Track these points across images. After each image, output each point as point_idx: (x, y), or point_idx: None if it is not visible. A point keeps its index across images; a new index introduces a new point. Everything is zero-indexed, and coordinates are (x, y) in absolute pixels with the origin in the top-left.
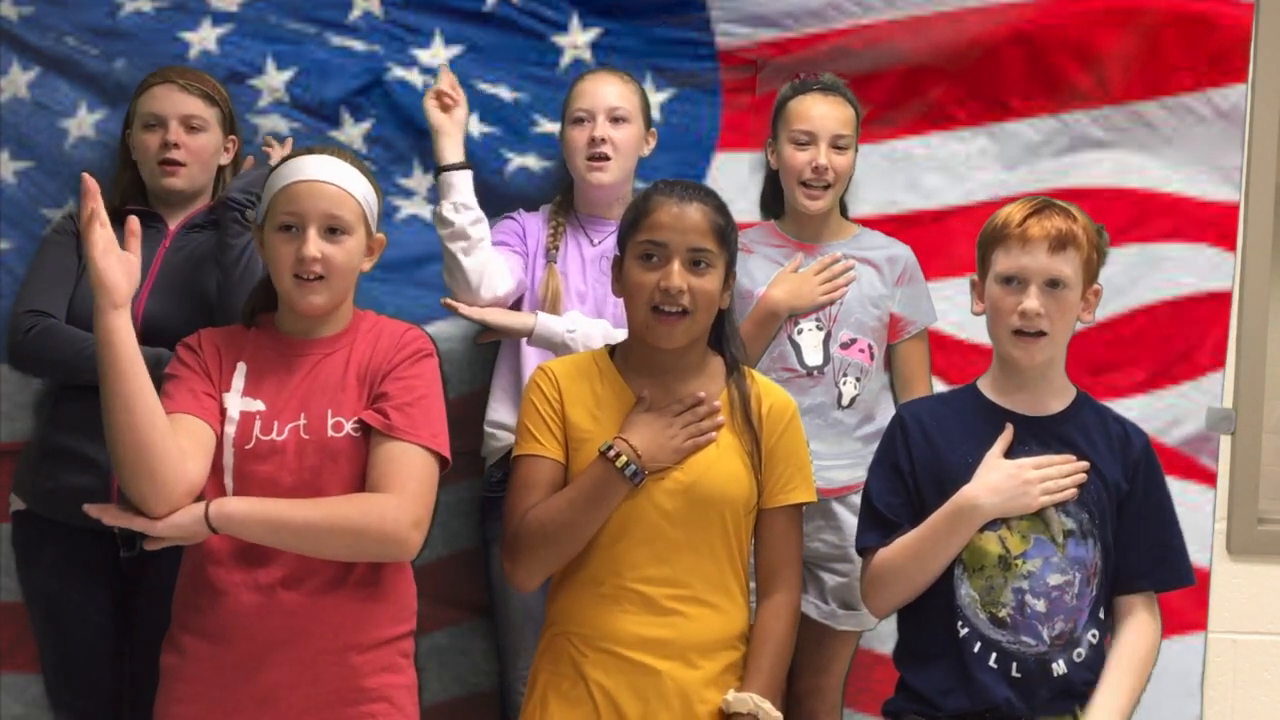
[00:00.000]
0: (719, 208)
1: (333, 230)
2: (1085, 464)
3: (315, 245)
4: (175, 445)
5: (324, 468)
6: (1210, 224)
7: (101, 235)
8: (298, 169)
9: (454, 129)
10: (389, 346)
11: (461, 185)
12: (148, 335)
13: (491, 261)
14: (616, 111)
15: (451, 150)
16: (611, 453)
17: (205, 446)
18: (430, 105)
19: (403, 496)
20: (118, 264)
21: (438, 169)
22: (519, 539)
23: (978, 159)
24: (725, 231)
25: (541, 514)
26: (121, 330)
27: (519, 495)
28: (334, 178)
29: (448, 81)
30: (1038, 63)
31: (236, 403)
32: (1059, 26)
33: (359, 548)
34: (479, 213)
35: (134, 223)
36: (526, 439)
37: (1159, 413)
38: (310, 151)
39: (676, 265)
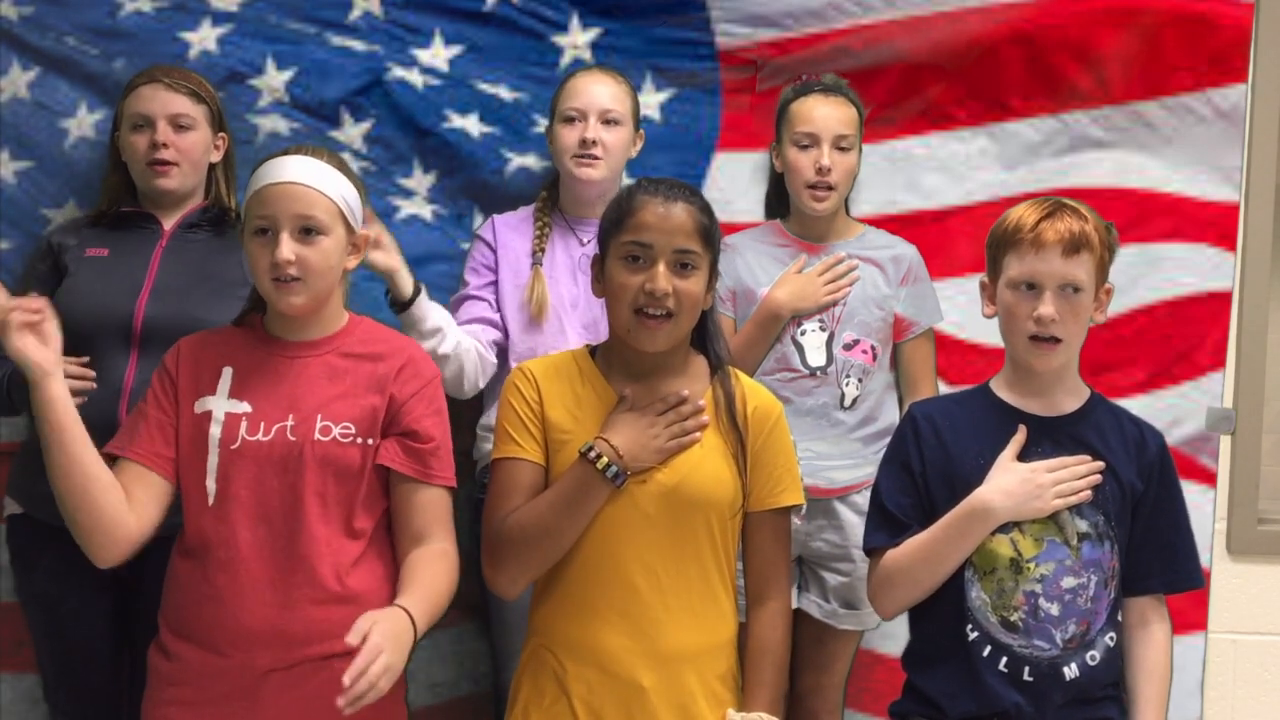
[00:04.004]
0: (703, 208)
1: (307, 231)
2: (1100, 465)
3: (288, 247)
4: (115, 502)
5: (309, 470)
6: (1210, 224)
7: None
8: (270, 172)
9: (399, 262)
10: (397, 366)
11: (421, 315)
12: (147, 339)
13: (468, 357)
14: (609, 114)
15: (405, 284)
16: (592, 454)
17: (157, 497)
18: (373, 254)
19: (454, 544)
20: (32, 342)
21: (403, 305)
22: (499, 545)
23: (978, 159)
24: (710, 232)
25: (522, 518)
26: (56, 398)
27: (498, 500)
28: (306, 178)
29: (377, 228)
30: (1038, 63)
31: (222, 404)
32: (1059, 26)
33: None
34: (441, 325)
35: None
36: (505, 442)
37: (1159, 413)
38: (285, 153)
39: (661, 268)
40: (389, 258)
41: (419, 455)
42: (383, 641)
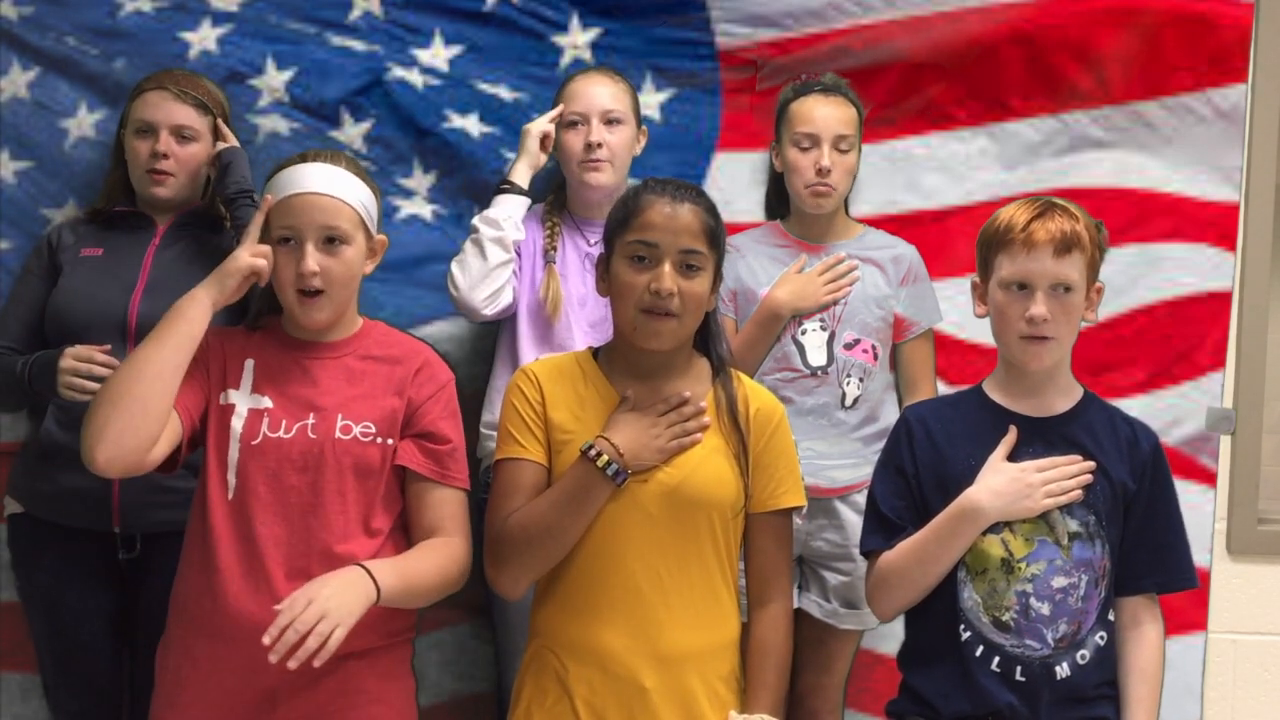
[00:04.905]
0: (709, 208)
1: (331, 240)
2: (1091, 464)
3: (314, 260)
4: (159, 422)
5: (329, 468)
6: (1210, 224)
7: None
8: (293, 181)
9: (538, 161)
10: (413, 368)
11: (523, 207)
12: (142, 336)
13: (509, 282)
14: (611, 114)
15: (526, 174)
16: (592, 452)
17: (170, 437)
18: (534, 136)
19: (465, 541)
20: (244, 280)
21: (504, 185)
22: (501, 544)
23: (978, 159)
24: (716, 233)
25: (523, 518)
26: (203, 315)
27: (500, 500)
28: (329, 188)
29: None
30: (1038, 63)
31: (245, 400)
32: (1059, 26)
33: (445, 593)
34: (523, 235)
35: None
36: (507, 442)
37: (1159, 413)
38: (305, 159)
39: (667, 268)
40: (537, 149)
41: (436, 456)
42: (311, 591)
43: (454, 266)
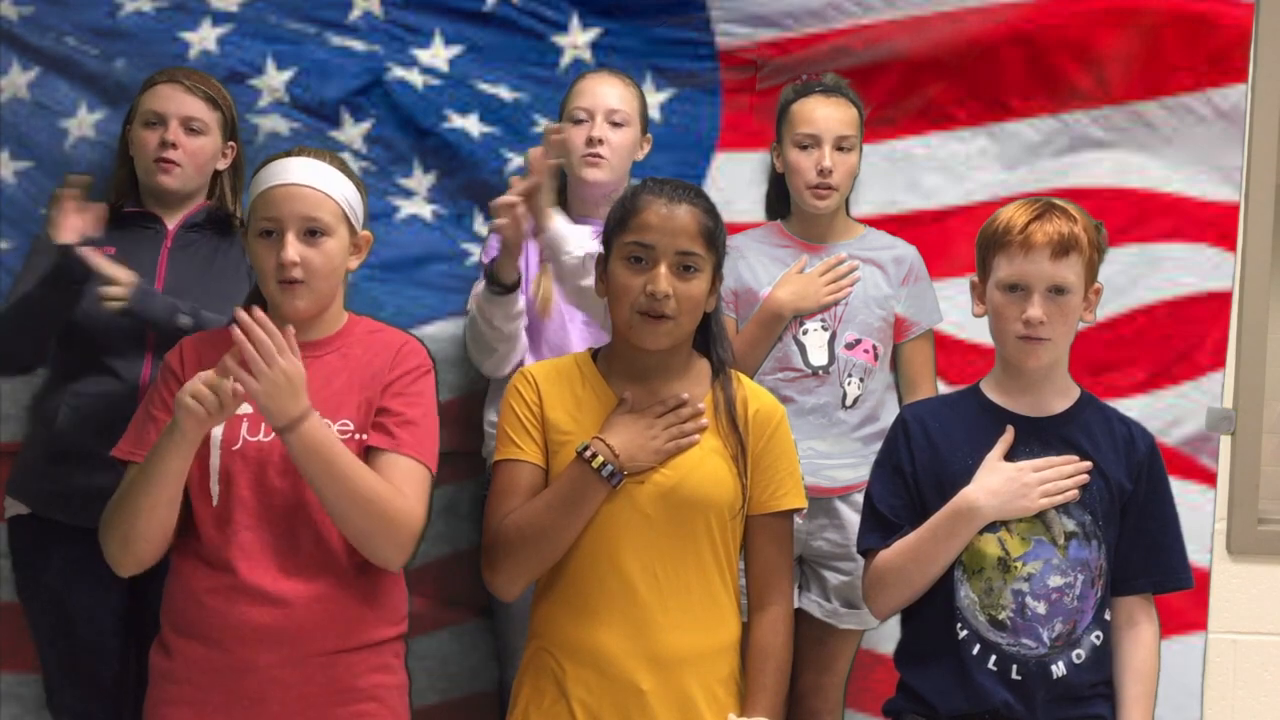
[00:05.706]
0: (708, 209)
1: (312, 232)
2: (1087, 464)
3: (293, 249)
4: (170, 527)
5: None
6: (1210, 224)
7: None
8: (274, 173)
9: (520, 249)
10: (389, 358)
11: (521, 300)
12: (161, 339)
13: (520, 346)
14: (616, 114)
15: (513, 270)
16: (588, 453)
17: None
18: (507, 227)
19: (417, 506)
20: (204, 401)
21: (497, 283)
22: (497, 545)
23: (978, 159)
24: (714, 234)
25: (519, 519)
26: (197, 441)
27: (497, 501)
28: (310, 180)
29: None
30: (1038, 63)
31: None
32: (1059, 26)
33: (371, 530)
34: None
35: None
36: (505, 444)
37: (1159, 413)
38: (289, 154)
39: (663, 269)
40: (517, 237)
41: (385, 428)
42: (281, 371)
43: (470, 344)
